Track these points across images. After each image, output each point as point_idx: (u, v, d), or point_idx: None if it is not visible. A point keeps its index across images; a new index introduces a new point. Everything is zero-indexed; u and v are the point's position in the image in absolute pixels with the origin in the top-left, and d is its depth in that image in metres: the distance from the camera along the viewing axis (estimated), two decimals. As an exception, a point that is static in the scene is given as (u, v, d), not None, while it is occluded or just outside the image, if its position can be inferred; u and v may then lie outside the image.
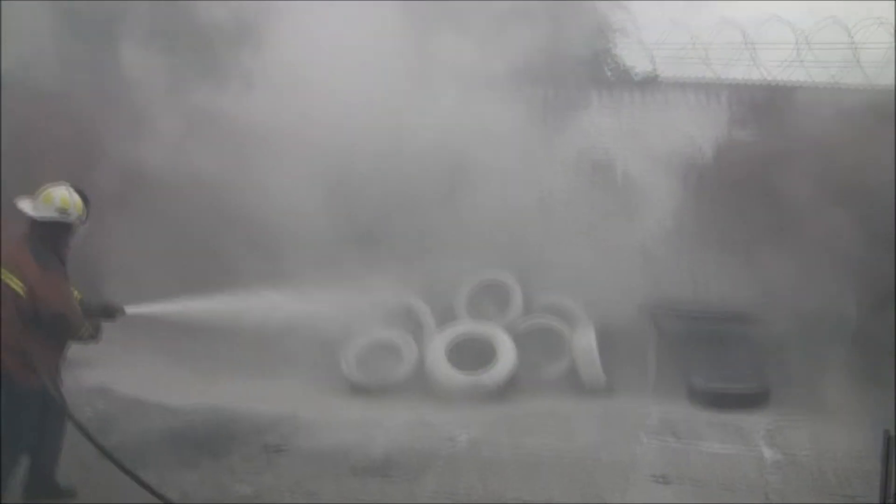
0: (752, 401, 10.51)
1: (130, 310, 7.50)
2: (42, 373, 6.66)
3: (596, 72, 13.11)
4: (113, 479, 7.59)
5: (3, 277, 6.58)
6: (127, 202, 11.84)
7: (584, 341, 11.07)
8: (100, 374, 10.37)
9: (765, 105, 11.83)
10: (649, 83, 12.79)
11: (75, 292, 7.09)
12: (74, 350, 7.15)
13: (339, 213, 11.53)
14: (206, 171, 11.04)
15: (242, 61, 11.48)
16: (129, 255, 11.62)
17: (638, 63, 13.96)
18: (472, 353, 11.02)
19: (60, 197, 6.75)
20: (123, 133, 11.72)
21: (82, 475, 7.65)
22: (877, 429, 9.20)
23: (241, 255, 11.26)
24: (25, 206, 6.76)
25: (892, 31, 11.36)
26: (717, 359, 10.72)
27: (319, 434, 9.05)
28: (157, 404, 9.77)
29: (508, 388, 10.76)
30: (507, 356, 10.85)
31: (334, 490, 7.52)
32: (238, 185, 11.17)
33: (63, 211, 6.74)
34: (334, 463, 8.19)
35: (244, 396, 10.22)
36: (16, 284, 6.54)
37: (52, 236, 6.75)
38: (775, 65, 11.92)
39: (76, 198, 6.83)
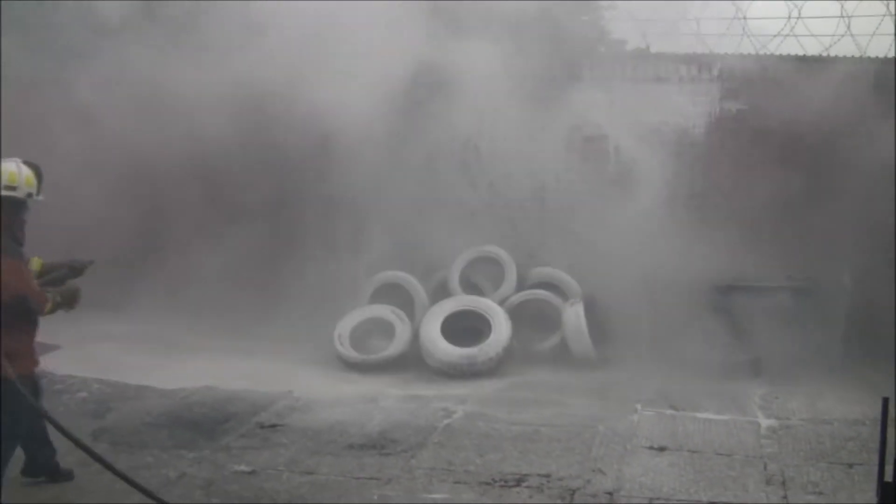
0: (746, 370, 10.52)
1: None
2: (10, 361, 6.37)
3: (587, 47, 13.04)
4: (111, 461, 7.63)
5: None
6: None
7: (573, 315, 11.07)
8: (92, 358, 10.44)
9: (757, 77, 11.80)
10: (641, 57, 12.72)
11: (35, 259, 6.84)
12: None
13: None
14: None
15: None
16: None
17: (629, 37, 13.92)
18: (467, 328, 11.02)
19: (8, 172, 6.44)
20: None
21: (79, 457, 7.67)
22: (871, 394, 9.33)
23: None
24: None
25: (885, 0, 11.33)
26: (710, 329, 10.73)
27: (315, 411, 9.05)
28: (151, 387, 9.77)
29: (503, 362, 10.75)
30: (501, 330, 10.84)
31: (332, 466, 7.52)
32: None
33: (10, 187, 6.43)
34: (331, 440, 8.19)
35: (239, 377, 10.22)
36: None
37: (2, 214, 6.40)
38: (767, 38, 11.88)
39: (26, 172, 6.53)
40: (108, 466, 6.37)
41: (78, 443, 6.35)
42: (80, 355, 10.58)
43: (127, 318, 12.25)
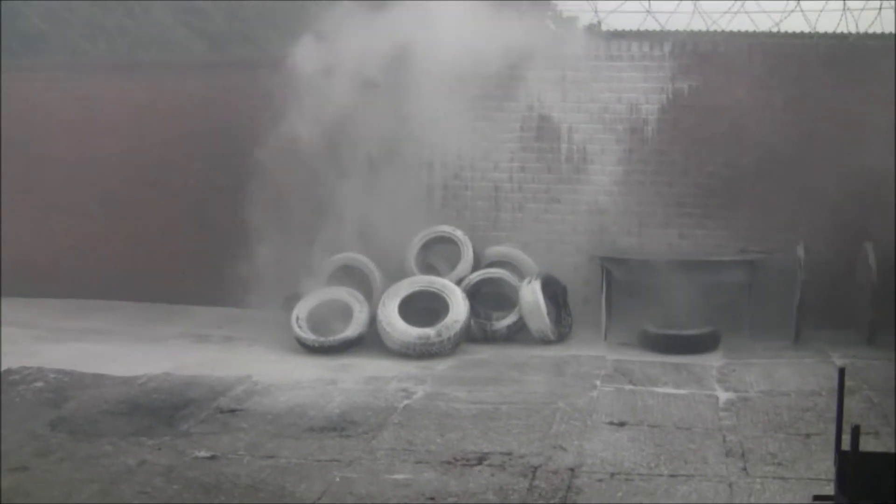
0: (703, 344, 10.60)
1: None
2: None
3: (539, 24, 13.03)
4: (65, 451, 7.56)
5: None
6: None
7: (530, 293, 11.08)
8: (52, 351, 10.46)
9: (709, 54, 11.85)
10: (593, 34, 12.73)
11: None
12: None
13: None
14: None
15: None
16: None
17: (581, 14, 13.94)
18: (425, 309, 11.01)
19: None
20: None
21: (37, 447, 7.60)
22: (827, 365, 9.48)
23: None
24: None
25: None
26: (667, 303, 10.79)
27: (274, 395, 9.01)
28: (108, 375, 9.68)
29: (461, 342, 10.76)
30: (458, 310, 10.83)
31: (292, 449, 7.49)
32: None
33: None
34: (291, 423, 8.17)
35: (197, 363, 10.18)
36: None
37: None
38: (718, 14, 11.92)
39: None
40: None
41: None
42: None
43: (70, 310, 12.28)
